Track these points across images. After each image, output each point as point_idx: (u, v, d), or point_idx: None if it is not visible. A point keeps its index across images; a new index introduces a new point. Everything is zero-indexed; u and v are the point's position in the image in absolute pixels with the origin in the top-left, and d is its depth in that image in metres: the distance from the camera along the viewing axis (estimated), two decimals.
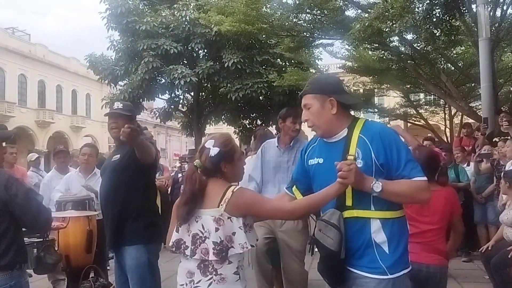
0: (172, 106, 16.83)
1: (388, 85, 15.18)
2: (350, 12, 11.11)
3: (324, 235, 1.91)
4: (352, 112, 2.19)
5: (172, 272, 6.10)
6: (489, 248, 4.57)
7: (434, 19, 8.76)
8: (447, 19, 8.86)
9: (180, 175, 8.36)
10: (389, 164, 1.92)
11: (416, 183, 1.90)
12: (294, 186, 2.20)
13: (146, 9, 15.63)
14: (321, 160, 2.05)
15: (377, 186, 1.85)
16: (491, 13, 9.13)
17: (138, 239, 3.08)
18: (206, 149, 2.07)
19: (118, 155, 3.25)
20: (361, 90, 16.84)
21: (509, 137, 6.07)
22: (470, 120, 11.08)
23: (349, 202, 1.94)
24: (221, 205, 1.96)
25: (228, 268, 1.97)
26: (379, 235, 1.92)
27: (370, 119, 2.08)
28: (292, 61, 14.87)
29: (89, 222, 3.96)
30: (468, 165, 6.67)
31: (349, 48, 12.61)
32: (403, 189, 1.91)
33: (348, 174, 1.81)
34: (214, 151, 2.05)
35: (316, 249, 2.02)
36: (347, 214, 1.94)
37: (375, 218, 1.92)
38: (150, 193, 3.32)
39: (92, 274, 4.10)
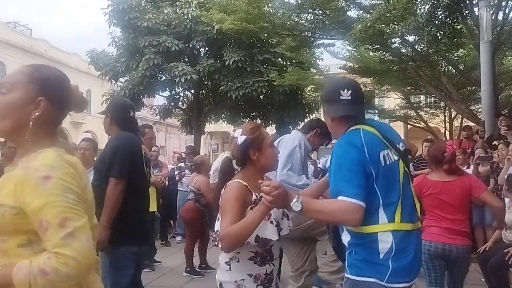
0: (172, 104, 16.81)
1: (389, 87, 15.17)
2: (352, 13, 11.13)
3: None
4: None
5: (172, 267, 6.17)
6: (487, 249, 4.59)
7: (437, 22, 8.75)
8: (450, 22, 8.85)
9: (177, 172, 8.36)
10: (330, 174, 1.92)
11: (339, 204, 1.79)
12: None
13: (148, 6, 15.61)
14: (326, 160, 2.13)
15: (296, 205, 1.79)
16: (493, 16, 9.13)
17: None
18: (234, 138, 2.11)
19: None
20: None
21: (508, 140, 6.08)
22: (470, 123, 11.08)
23: None
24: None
25: (223, 256, 2.05)
26: (345, 238, 1.99)
27: (355, 129, 1.98)
28: (293, 60, 14.86)
29: None
30: (469, 167, 6.67)
31: (350, 48, 12.61)
32: (324, 209, 1.86)
33: (277, 198, 1.78)
34: (241, 139, 2.06)
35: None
36: None
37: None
38: (132, 194, 3.09)
39: None
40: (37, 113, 1.30)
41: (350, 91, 1.96)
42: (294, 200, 1.80)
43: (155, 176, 6.01)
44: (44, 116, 1.32)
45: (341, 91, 1.95)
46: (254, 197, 2.01)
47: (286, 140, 3.65)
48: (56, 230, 1.18)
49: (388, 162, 1.91)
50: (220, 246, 1.93)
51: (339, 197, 1.80)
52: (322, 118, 2.24)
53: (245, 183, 2.02)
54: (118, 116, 3.31)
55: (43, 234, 1.20)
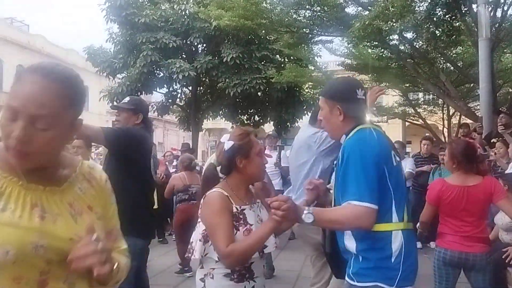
0: (170, 100, 16.75)
1: (387, 84, 15.14)
2: (350, 9, 11.09)
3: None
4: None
5: (165, 266, 6.12)
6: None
7: (435, 19, 8.71)
8: (448, 19, 8.81)
9: (173, 170, 8.32)
10: (343, 177, 1.86)
11: (352, 209, 1.76)
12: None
13: (146, 2, 15.53)
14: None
15: (308, 217, 1.74)
16: (492, 14, 9.10)
17: None
18: (221, 143, 2.00)
19: None
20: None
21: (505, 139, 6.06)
22: (468, 121, 11.06)
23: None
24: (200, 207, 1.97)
25: (199, 271, 1.98)
26: (349, 244, 1.91)
27: (364, 128, 1.95)
28: (291, 57, 14.80)
29: None
30: None
31: (349, 45, 12.57)
32: (337, 217, 1.82)
33: (287, 213, 1.72)
34: (228, 144, 1.96)
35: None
36: None
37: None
38: (137, 185, 3.18)
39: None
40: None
41: (363, 91, 2.00)
42: (305, 212, 1.75)
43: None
44: None
45: (357, 90, 1.97)
46: (234, 209, 1.91)
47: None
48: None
49: (395, 162, 1.92)
50: (221, 263, 1.86)
51: (351, 202, 1.77)
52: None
53: (226, 194, 1.91)
54: (146, 116, 3.40)
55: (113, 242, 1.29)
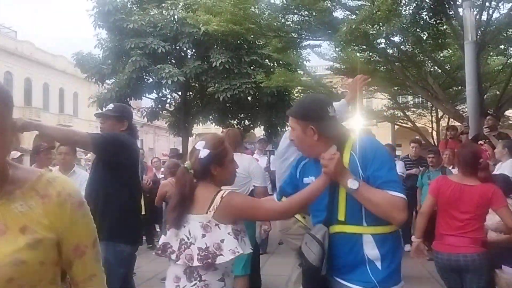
0: (159, 106, 16.72)
1: (376, 87, 15.23)
2: (338, 14, 11.12)
3: (308, 249, 1.87)
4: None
5: (155, 272, 6.06)
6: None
7: (421, 23, 8.79)
8: (434, 23, 8.89)
9: (162, 176, 8.26)
10: (374, 176, 1.85)
11: (395, 199, 1.79)
12: (283, 198, 2.13)
13: (134, 8, 15.51)
14: (311, 179, 2.00)
15: (353, 183, 1.79)
16: (477, 17, 9.19)
17: (98, 235, 2.99)
18: (196, 150, 2.02)
19: None
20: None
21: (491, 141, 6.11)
22: (457, 123, 11.15)
23: (341, 216, 1.88)
24: (210, 211, 1.92)
25: (213, 274, 1.92)
26: (372, 252, 1.86)
27: (364, 136, 2.02)
28: (280, 62, 14.86)
29: None
30: (454, 167, 6.69)
31: (336, 49, 12.64)
32: (379, 199, 1.80)
33: (329, 162, 1.80)
34: (204, 153, 1.99)
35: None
36: (338, 228, 1.89)
37: (367, 234, 1.86)
38: (125, 191, 3.20)
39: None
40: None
41: (333, 108, 1.97)
42: (352, 178, 1.81)
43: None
44: None
45: (328, 108, 1.94)
46: None
47: None
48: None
49: None
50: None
51: (390, 191, 1.80)
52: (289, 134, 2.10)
53: None
54: (130, 122, 3.41)
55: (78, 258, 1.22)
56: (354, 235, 1.87)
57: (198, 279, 1.91)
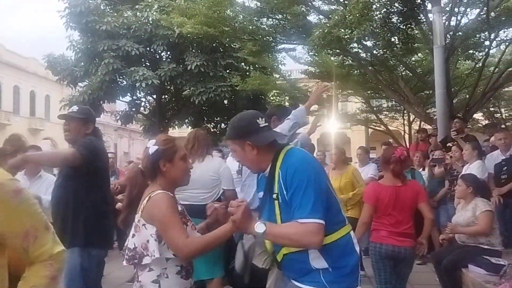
0: (134, 109, 16.52)
1: (350, 91, 15.43)
2: (312, 18, 11.24)
3: (237, 257, 1.97)
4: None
5: (124, 278, 5.94)
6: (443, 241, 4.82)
7: (392, 27, 8.96)
8: (404, 27, 9.08)
9: None
10: (290, 201, 1.84)
11: (305, 227, 1.77)
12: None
13: (108, 9, 15.29)
14: (261, 194, 2.05)
15: (259, 227, 1.79)
16: (447, 23, 9.44)
17: (74, 241, 2.97)
18: (147, 148, 2.03)
19: None
20: (324, 96, 17.02)
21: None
22: (428, 126, 11.39)
23: None
24: (139, 211, 1.93)
25: (148, 275, 1.91)
26: (319, 262, 1.87)
27: (294, 147, 2.01)
28: (256, 65, 14.89)
29: None
30: (424, 169, 6.82)
31: (310, 53, 12.75)
32: (289, 234, 1.81)
33: (237, 210, 1.81)
34: (152, 149, 2.00)
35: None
36: (285, 250, 1.94)
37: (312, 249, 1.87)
38: (99, 195, 3.18)
39: None
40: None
41: (263, 119, 2.00)
42: (258, 222, 1.80)
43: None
44: None
45: (257, 120, 1.97)
46: (180, 207, 1.98)
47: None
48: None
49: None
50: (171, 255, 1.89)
51: (299, 220, 1.77)
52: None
53: (171, 194, 1.97)
54: (94, 125, 3.36)
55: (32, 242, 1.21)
56: (300, 252, 1.88)
57: (137, 279, 1.94)
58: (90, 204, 3.08)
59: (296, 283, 1.94)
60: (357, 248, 1.93)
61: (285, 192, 1.85)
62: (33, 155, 3.22)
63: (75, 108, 3.40)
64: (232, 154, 8.49)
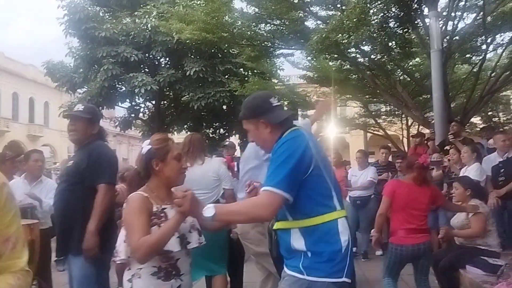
0: (133, 115, 16.56)
1: (349, 96, 15.49)
2: (310, 23, 11.31)
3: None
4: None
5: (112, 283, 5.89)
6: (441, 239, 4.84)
7: (389, 32, 9.02)
8: (401, 32, 9.15)
9: None
10: (267, 169, 1.91)
11: (255, 200, 1.83)
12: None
13: (107, 16, 15.37)
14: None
15: (208, 211, 1.79)
16: (443, 27, 9.51)
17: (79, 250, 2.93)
18: (141, 148, 2.08)
19: (72, 161, 3.16)
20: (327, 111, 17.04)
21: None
22: (426, 130, 11.43)
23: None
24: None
25: (126, 274, 1.99)
26: (298, 243, 1.90)
27: (299, 129, 2.03)
28: (255, 70, 14.95)
29: (31, 232, 3.73)
30: None
31: (308, 58, 12.81)
32: (237, 209, 1.89)
33: (183, 201, 1.83)
34: (146, 148, 2.04)
35: None
36: (276, 226, 2.01)
37: (294, 228, 1.92)
38: (112, 204, 3.13)
39: (35, 286, 3.90)
40: None
41: (276, 98, 2.04)
42: (206, 207, 1.81)
43: None
44: None
45: (270, 100, 2.01)
46: (155, 208, 1.97)
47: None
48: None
49: (323, 155, 2.01)
50: (131, 258, 1.92)
51: (265, 187, 1.80)
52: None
53: (146, 194, 1.97)
54: (99, 123, 3.26)
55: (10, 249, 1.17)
56: (284, 230, 1.95)
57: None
58: (90, 209, 2.98)
59: (285, 269, 1.99)
60: (343, 239, 1.88)
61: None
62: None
63: (80, 107, 3.22)
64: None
